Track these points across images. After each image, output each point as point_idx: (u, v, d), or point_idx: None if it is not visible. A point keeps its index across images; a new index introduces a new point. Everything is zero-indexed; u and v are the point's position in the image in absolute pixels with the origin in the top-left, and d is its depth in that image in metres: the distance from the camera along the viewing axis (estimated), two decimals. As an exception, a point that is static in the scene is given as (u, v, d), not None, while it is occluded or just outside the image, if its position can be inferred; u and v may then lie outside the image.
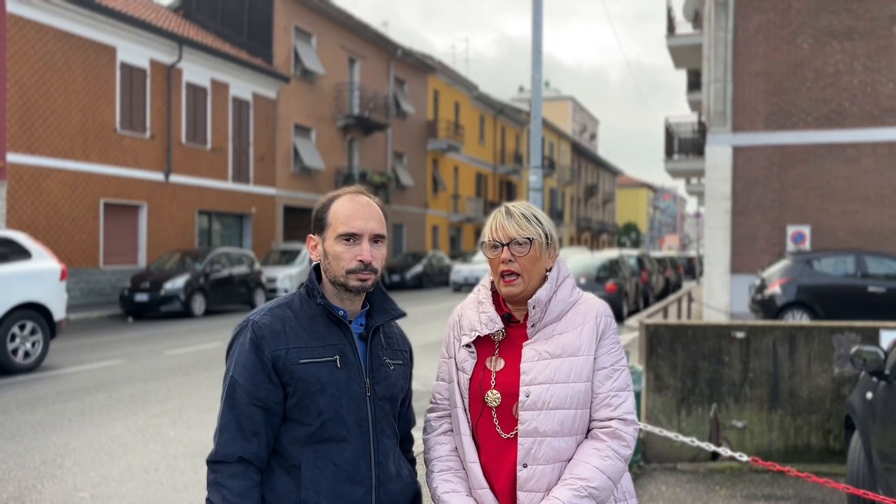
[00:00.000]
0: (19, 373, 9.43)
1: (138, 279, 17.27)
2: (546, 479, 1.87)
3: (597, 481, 1.84)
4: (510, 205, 2.01)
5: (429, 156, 37.48)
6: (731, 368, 5.85)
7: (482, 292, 2.05)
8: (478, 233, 42.83)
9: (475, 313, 2.01)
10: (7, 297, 9.33)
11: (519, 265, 1.92)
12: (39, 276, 9.78)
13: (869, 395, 4.16)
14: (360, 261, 1.85)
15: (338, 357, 1.84)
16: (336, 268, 1.86)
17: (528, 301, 1.94)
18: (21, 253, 9.75)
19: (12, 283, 9.42)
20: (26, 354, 9.66)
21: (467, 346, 1.99)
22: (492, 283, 2.06)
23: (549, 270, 1.99)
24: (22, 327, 9.56)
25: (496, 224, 1.96)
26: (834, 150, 15.92)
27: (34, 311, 9.71)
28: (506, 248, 1.93)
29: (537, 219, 1.97)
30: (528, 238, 1.93)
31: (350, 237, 1.85)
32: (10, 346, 9.41)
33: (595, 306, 2.00)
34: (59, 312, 10.04)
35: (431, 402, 2.12)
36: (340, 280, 1.86)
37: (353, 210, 1.87)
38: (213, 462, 1.80)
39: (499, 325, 1.96)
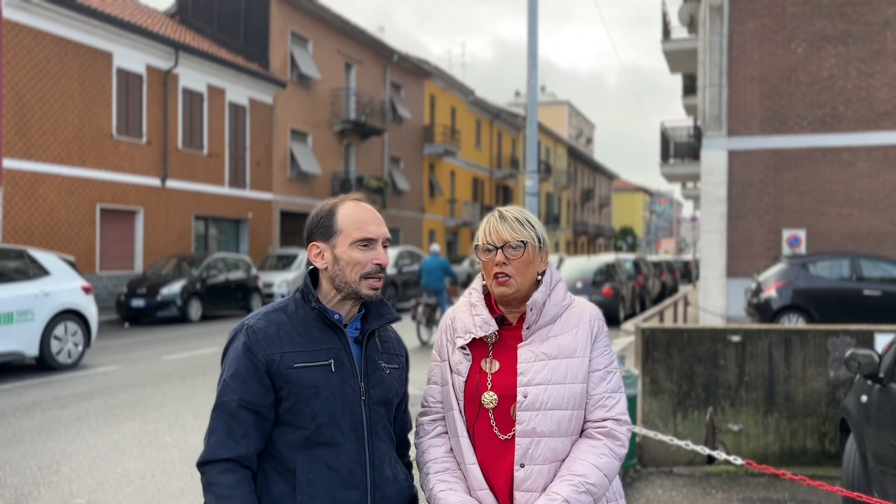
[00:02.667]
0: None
1: (135, 284, 17.26)
2: (543, 479, 1.88)
3: (594, 478, 1.86)
4: (503, 209, 2.03)
5: (425, 160, 37.51)
6: (726, 372, 5.87)
7: (474, 295, 2.07)
8: (474, 237, 42.80)
9: (469, 316, 2.03)
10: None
11: (513, 268, 1.95)
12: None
13: (864, 398, 4.17)
14: (377, 264, 1.89)
15: (332, 361, 1.85)
16: (350, 273, 1.88)
17: (527, 303, 1.96)
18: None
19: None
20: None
21: (462, 348, 2.00)
22: (483, 286, 2.07)
23: (542, 274, 2.01)
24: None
25: (490, 228, 1.99)
26: (829, 154, 15.97)
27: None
28: (500, 251, 1.95)
29: (530, 223, 2.00)
30: (522, 241, 1.95)
31: (368, 242, 1.89)
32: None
33: (588, 310, 2.03)
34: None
35: (423, 406, 2.12)
36: (353, 286, 1.89)
37: (366, 216, 1.92)
38: (202, 464, 1.81)
39: (493, 326, 1.98)
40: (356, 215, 1.91)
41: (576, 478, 1.86)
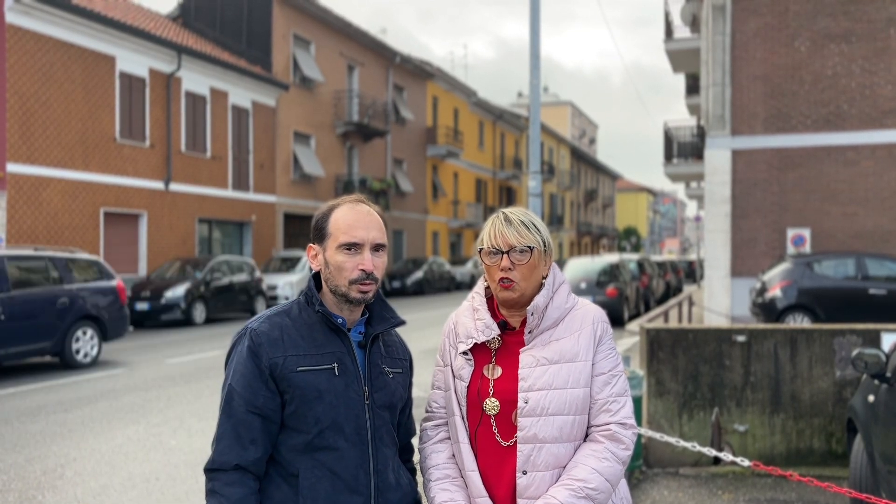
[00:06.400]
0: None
1: (139, 288, 17.27)
2: (546, 486, 1.85)
3: (594, 482, 1.82)
4: (508, 211, 1.98)
5: (428, 162, 37.51)
6: (732, 372, 5.84)
7: (477, 299, 2.03)
8: (478, 239, 42.83)
9: (471, 321, 1.99)
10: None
11: (518, 273, 1.90)
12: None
13: (871, 397, 4.14)
14: (362, 270, 1.85)
15: (336, 365, 1.83)
16: (338, 277, 1.86)
17: (527, 308, 1.92)
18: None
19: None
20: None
21: (464, 353, 1.97)
22: (486, 289, 2.04)
23: (545, 277, 1.97)
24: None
25: (495, 231, 1.93)
26: (833, 153, 15.92)
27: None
28: (505, 255, 1.91)
29: (535, 226, 1.95)
30: (529, 246, 1.91)
31: (351, 247, 1.85)
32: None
33: (591, 312, 1.98)
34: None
35: (427, 411, 2.10)
36: (342, 290, 1.86)
37: (355, 219, 1.87)
38: (209, 470, 1.79)
39: (495, 331, 1.95)
40: (346, 218, 1.87)
41: (575, 482, 1.82)
